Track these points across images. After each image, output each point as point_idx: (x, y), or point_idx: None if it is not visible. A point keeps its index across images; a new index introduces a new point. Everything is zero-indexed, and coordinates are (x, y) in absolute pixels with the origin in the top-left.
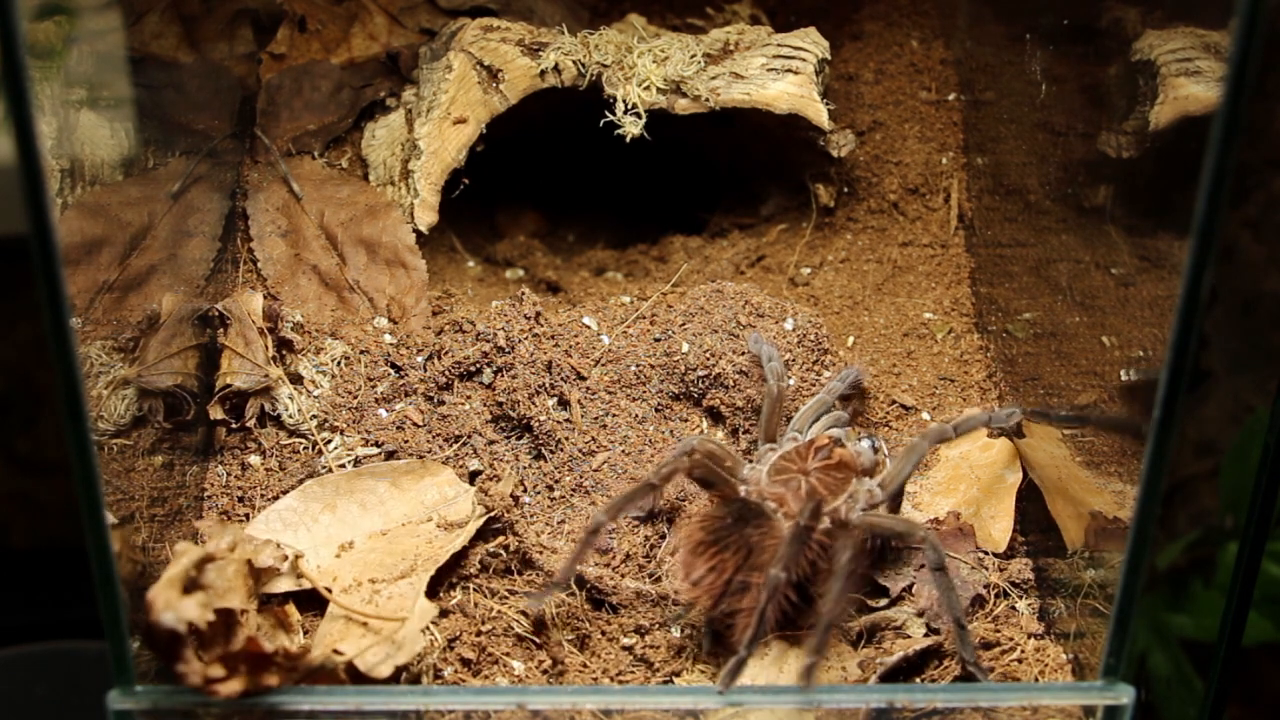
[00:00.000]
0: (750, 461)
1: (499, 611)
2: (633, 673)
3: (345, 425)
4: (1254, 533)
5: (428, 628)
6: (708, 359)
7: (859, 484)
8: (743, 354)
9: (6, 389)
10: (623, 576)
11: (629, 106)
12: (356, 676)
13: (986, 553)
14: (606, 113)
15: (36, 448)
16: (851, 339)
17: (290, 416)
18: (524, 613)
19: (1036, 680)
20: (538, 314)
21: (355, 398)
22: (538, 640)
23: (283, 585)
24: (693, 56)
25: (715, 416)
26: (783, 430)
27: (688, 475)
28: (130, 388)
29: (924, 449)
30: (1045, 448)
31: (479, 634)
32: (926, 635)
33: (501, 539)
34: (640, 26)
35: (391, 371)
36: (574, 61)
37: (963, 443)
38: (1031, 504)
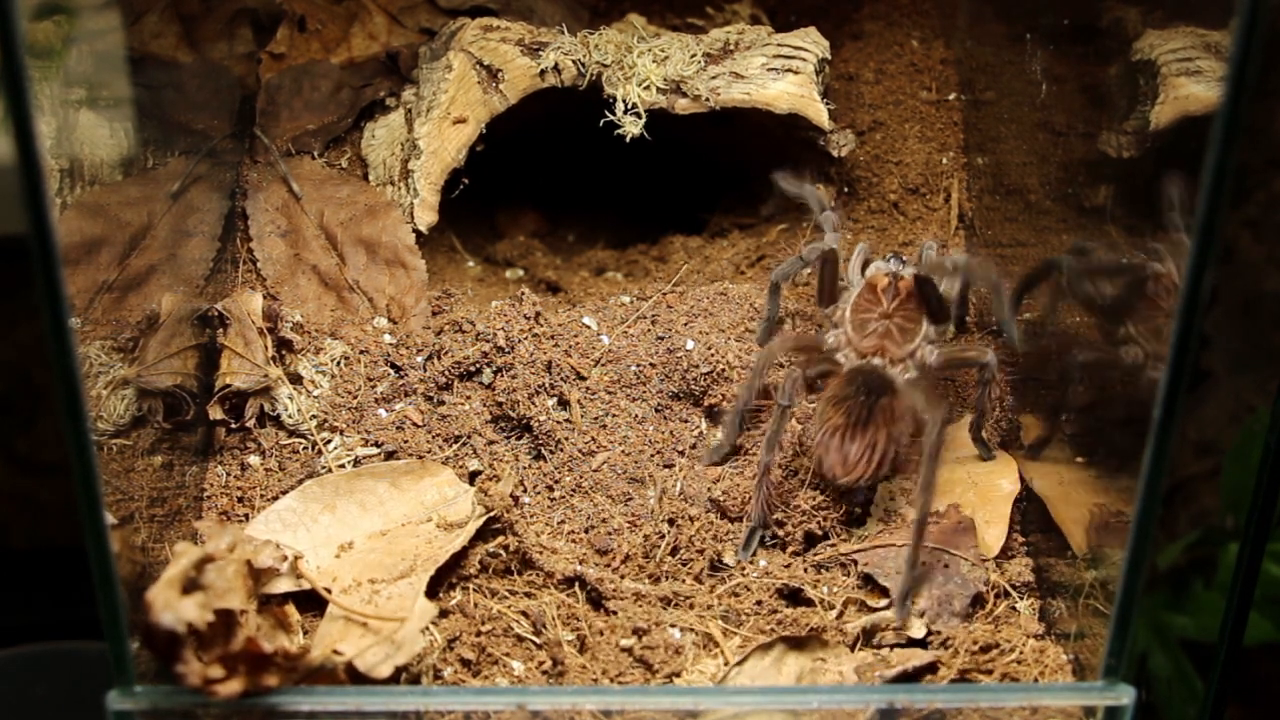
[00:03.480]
0: (825, 330)
1: (499, 612)
2: (632, 673)
3: (345, 425)
4: (1254, 533)
5: (427, 628)
6: (711, 355)
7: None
8: (748, 352)
9: (6, 389)
10: (622, 578)
11: (629, 106)
12: (356, 677)
13: (984, 557)
14: (606, 112)
15: (36, 448)
16: None
17: (290, 417)
18: (524, 613)
19: (1037, 681)
20: (537, 314)
21: (355, 398)
22: (537, 641)
23: (282, 586)
24: (693, 56)
25: (714, 416)
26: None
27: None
28: (130, 388)
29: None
30: (1045, 453)
31: (479, 634)
32: (927, 637)
33: (501, 539)
34: (640, 26)
35: (391, 371)
36: (574, 61)
37: (959, 448)
38: (1032, 504)
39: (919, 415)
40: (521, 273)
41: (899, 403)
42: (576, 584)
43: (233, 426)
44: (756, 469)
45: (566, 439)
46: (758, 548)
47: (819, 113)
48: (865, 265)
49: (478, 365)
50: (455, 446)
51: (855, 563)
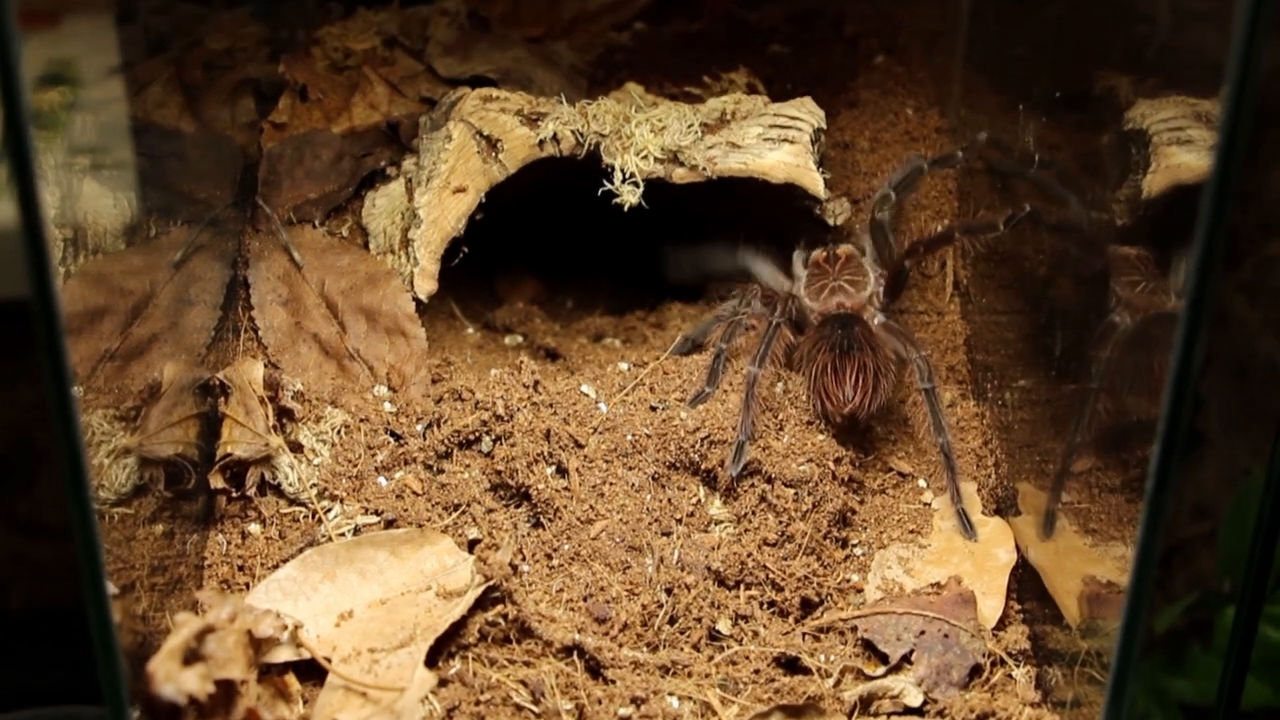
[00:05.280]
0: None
1: (498, 680)
2: None
3: (345, 494)
4: (1250, 596)
5: (426, 697)
6: (705, 419)
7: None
8: (736, 413)
9: (5, 451)
10: (621, 646)
11: (627, 175)
12: None
13: (983, 628)
14: (605, 181)
15: (35, 509)
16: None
17: (290, 485)
18: (523, 682)
19: None
20: (536, 382)
21: (355, 466)
22: (536, 710)
23: (283, 655)
24: (690, 126)
25: (712, 483)
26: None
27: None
28: (131, 456)
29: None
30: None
31: (478, 703)
32: (924, 705)
33: (500, 608)
34: (638, 96)
35: (391, 440)
36: (572, 131)
37: (956, 520)
38: (1028, 571)
39: (900, 355)
40: (520, 339)
41: (874, 331)
42: (575, 652)
43: (233, 495)
44: (744, 382)
45: (565, 507)
46: (743, 461)
47: (814, 182)
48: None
49: (477, 434)
50: (455, 515)
51: (854, 629)
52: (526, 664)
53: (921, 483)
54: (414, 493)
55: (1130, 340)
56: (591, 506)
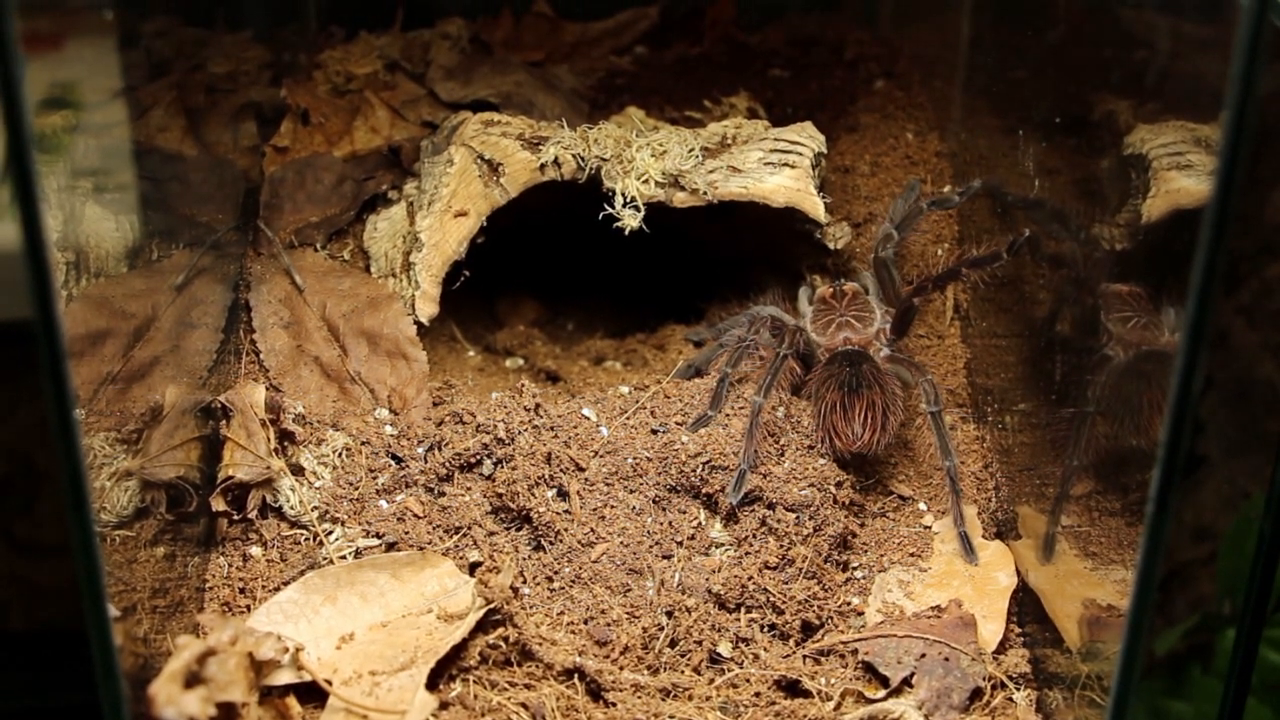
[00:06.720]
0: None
1: (499, 704)
2: None
3: (346, 516)
4: (1250, 619)
5: None
6: (707, 443)
7: (877, 310)
8: (738, 439)
9: (6, 471)
10: (621, 669)
11: (628, 200)
12: None
13: (983, 651)
14: (605, 205)
15: (34, 529)
16: None
17: (292, 508)
18: (523, 705)
19: None
20: (537, 405)
21: (356, 489)
22: None
23: (284, 677)
24: (690, 150)
25: (713, 506)
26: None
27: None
28: (133, 479)
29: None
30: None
31: None
32: None
33: (501, 630)
34: (639, 120)
35: (392, 463)
36: (573, 155)
37: (957, 542)
38: (1028, 594)
39: (906, 380)
40: (521, 362)
41: (881, 368)
42: (576, 675)
43: (235, 518)
44: (748, 411)
45: (566, 530)
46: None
47: (815, 206)
48: (810, 299)
49: (478, 457)
50: (456, 538)
51: (854, 652)
52: (527, 687)
53: (922, 506)
54: (415, 515)
55: (1121, 374)
56: (592, 530)
